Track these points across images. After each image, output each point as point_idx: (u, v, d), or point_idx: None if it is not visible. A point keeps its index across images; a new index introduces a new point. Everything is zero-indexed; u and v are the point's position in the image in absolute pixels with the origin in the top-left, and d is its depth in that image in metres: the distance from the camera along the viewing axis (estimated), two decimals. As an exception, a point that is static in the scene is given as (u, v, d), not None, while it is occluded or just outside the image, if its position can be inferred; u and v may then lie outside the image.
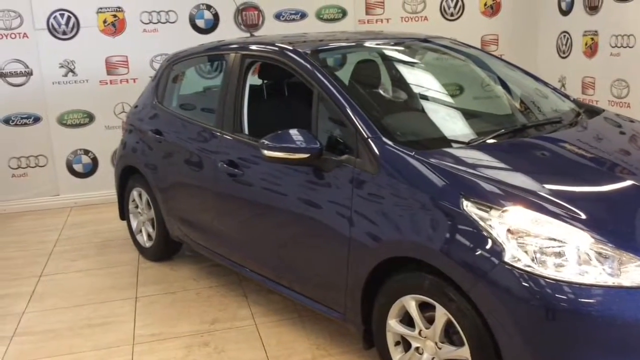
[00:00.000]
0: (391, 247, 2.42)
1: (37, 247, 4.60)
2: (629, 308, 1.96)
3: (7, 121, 5.36)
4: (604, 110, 3.26)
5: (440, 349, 2.34)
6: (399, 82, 3.44)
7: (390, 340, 2.53)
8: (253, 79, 3.44)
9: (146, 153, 4.00)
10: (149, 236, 4.20)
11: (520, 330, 2.04)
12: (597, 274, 1.98)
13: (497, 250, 2.07)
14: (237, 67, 3.36)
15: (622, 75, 5.23)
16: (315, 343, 3.06)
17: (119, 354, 3.07)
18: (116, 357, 3.05)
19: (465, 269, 2.13)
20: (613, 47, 5.29)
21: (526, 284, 2.00)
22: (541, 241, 2.06)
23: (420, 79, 3.38)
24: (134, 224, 4.34)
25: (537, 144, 2.68)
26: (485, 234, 2.11)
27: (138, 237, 4.31)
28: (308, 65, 2.94)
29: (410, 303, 2.39)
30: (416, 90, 3.32)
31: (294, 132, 2.70)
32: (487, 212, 2.15)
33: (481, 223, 2.13)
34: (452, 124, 2.98)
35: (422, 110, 3.24)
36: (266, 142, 2.72)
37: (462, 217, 2.18)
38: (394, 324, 2.49)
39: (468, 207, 2.18)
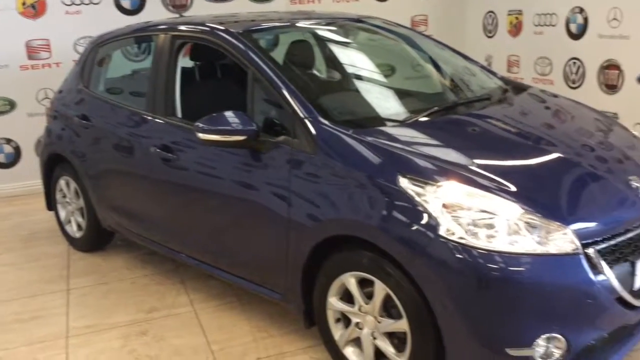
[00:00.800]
0: (330, 226, 2.43)
1: (-42, 242, 4.36)
2: (557, 274, 2.05)
3: None
4: (529, 87, 3.38)
5: (379, 322, 2.38)
6: (333, 62, 3.45)
7: (331, 317, 2.56)
8: (184, 61, 3.35)
9: (73, 140, 3.84)
10: (78, 226, 4.06)
11: (455, 300, 2.10)
12: (526, 243, 2.07)
13: (433, 225, 2.12)
14: (167, 48, 3.26)
15: (545, 53, 5.45)
16: (256, 325, 3.06)
17: (53, 347, 2.97)
18: (50, 350, 2.94)
19: (402, 244, 2.17)
20: (536, 25, 5.49)
21: (460, 256, 2.06)
22: (474, 214, 2.12)
23: (354, 59, 3.40)
24: (62, 214, 4.18)
25: (467, 120, 2.75)
26: (421, 209, 2.16)
27: (67, 227, 4.16)
28: (241, 46, 2.89)
29: (350, 280, 2.42)
30: (350, 70, 3.34)
31: (229, 114, 2.66)
32: (422, 187, 2.20)
33: (417, 199, 2.18)
34: (386, 102, 3.01)
35: (357, 90, 3.26)
36: (201, 125, 2.67)
37: (398, 194, 2.22)
38: (334, 302, 2.51)
39: (404, 183, 2.22)
